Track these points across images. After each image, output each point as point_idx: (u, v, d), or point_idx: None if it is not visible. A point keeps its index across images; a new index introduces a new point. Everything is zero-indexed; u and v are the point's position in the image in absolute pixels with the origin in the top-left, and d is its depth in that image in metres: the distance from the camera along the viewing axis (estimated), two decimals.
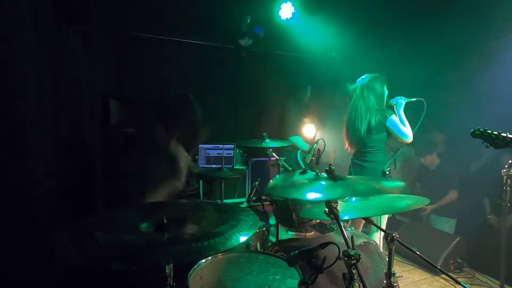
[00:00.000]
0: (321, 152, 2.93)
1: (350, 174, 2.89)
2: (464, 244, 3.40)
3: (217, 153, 4.44)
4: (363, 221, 2.71)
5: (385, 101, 2.85)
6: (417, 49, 3.88)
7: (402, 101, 2.79)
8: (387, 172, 2.59)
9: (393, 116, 2.73)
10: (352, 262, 1.13)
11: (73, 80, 2.32)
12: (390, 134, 2.78)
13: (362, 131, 2.77)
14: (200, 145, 4.25)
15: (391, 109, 2.82)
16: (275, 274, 1.39)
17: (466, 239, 3.42)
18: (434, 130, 3.83)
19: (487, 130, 1.91)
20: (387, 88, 2.86)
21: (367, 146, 2.81)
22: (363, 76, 2.91)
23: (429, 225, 3.88)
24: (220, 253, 1.41)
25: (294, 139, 3.95)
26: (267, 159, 4.56)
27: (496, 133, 1.85)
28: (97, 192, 2.69)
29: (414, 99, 2.76)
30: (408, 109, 2.82)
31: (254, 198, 2.79)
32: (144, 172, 1.81)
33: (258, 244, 2.04)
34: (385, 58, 4.00)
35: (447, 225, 3.75)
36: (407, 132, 2.70)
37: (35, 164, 1.77)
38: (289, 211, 2.25)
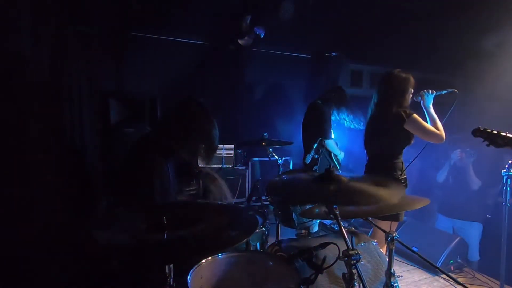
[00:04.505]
0: (321, 152, 2.93)
1: None
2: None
3: (217, 153, 4.44)
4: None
5: (408, 99, 2.53)
6: (418, 49, 3.89)
7: (430, 95, 2.49)
8: (403, 181, 2.47)
9: (413, 116, 2.40)
10: (352, 262, 1.13)
11: (73, 80, 2.32)
12: (410, 137, 2.50)
13: (375, 135, 2.55)
14: None
15: (421, 105, 2.53)
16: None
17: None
18: None
19: (487, 129, 1.92)
20: (401, 84, 2.51)
21: (381, 152, 2.58)
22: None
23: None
24: (220, 253, 1.41)
25: (328, 143, 3.79)
26: (267, 159, 4.56)
27: (496, 132, 1.87)
28: (97, 192, 2.69)
29: (444, 92, 2.47)
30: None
31: (254, 198, 2.79)
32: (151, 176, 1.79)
33: (258, 244, 2.04)
34: (385, 58, 4.00)
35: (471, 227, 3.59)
36: (435, 131, 2.38)
37: (36, 164, 1.77)
38: (289, 211, 2.25)
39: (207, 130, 1.91)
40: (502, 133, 1.84)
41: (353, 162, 4.02)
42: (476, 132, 1.96)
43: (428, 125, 2.43)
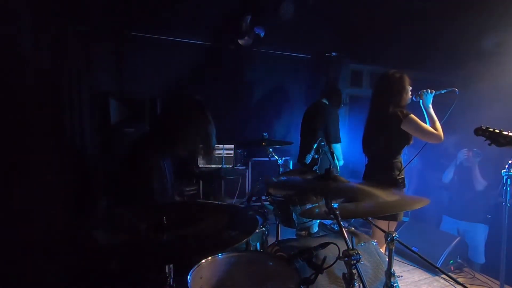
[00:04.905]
0: (321, 152, 2.92)
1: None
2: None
3: (217, 153, 4.44)
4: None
5: (406, 98, 2.52)
6: (418, 49, 3.89)
7: (429, 94, 2.47)
8: (400, 181, 2.46)
9: (410, 117, 2.40)
10: (352, 262, 1.13)
11: (73, 80, 2.32)
12: (409, 137, 2.49)
13: (374, 135, 2.57)
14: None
15: (420, 104, 2.51)
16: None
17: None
18: None
19: (489, 128, 1.92)
20: (396, 84, 2.50)
21: (379, 152, 2.57)
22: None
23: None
24: (220, 253, 1.41)
25: (336, 146, 3.73)
26: (267, 159, 4.55)
27: (498, 131, 1.87)
28: (97, 192, 2.69)
29: (443, 91, 2.46)
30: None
31: (254, 198, 2.79)
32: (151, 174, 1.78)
33: (258, 244, 2.04)
34: (385, 58, 3.99)
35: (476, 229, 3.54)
36: (433, 131, 2.37)
37: (36, 164, 1.77)
38: (289, 211, 2.24)
39: (203, 127, 1.91)
40: (504, 132, 1.85)
41: (353, 163, 4.01)
42: (478, 131, 1.96)
43: (426, 125, 2.42)
